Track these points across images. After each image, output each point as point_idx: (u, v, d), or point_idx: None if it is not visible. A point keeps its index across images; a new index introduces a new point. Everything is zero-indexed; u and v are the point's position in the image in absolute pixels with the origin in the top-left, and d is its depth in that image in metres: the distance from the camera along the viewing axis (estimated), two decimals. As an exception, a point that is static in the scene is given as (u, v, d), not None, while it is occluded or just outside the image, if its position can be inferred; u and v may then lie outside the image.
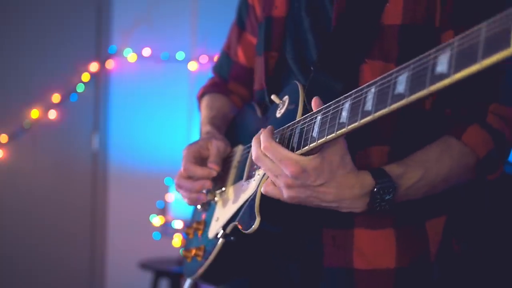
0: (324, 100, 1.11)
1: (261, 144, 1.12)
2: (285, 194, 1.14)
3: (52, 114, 4.53)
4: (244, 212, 1.26)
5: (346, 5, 1.25)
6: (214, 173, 1.42)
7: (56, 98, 4.53)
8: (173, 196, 4.27)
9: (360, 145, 1.23)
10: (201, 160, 1.44)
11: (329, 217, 1.25)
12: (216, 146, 1.45)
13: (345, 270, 1.26)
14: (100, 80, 4.66)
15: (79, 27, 4.65)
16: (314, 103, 1.11)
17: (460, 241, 1.32)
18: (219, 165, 1.43)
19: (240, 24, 1.65)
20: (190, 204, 1.49)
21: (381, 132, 1.24)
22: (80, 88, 4.60)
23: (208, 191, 1.47)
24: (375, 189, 1.12)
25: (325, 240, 1.28)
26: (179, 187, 1.45)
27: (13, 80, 4.48)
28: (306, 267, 1.33)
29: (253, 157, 1.16)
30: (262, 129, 1.18)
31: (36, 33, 4.51)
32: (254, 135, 1.41)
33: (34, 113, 4.48)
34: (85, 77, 4.61)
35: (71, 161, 4.65)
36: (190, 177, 1.43)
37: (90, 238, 4.69)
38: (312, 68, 1.26)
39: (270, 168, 1.12)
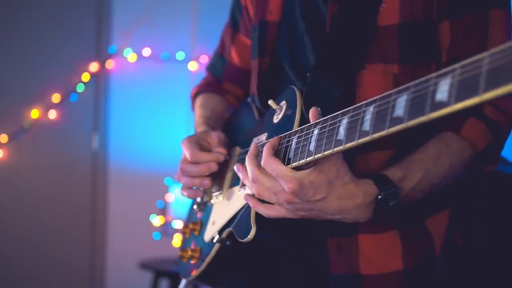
0: (322, 107, 1.09)
1: (262, 160, 1.11)
2: (289, 210, 1.13)
3: (52, 114, 4.53)
4: (240, 220, 1.25)
5: (340, 9, 1.24)
6: (222, 157, 1.40)
7: (56, 98, 4.52)
8: (173, 196, 4.27)
9: (362, 149, 1.21)
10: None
11: (332, 225, 1.24)
12: (217, 136, 1.44)
13: (352, 276, 1.24)
14: (100, 80, 4.66)
15: (79, 27, 4.64)
16: (312, 114, 1.10)
17: (464, 235, 1.30)
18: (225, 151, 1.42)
19: (234, 25, 1.65)
20: (189, 196, 1.46)
21: (385, 138, 1.23)
22: (80, 88, 4.59)
23: (205, 191, 1.46)
24: (380, 197, 1.10)
25: (330, 248, 1.26)
26: (183, 172, 1.42)
27: (13, 80, 4.47)
28: (312, 275, 1.32)
29: (249, 178, 1.15)
30: (255, 139, 1.16)
31: (36, 33, 4.50)
32: (250, 138, 1.41)
33: (34, 113, 4.47)
34: (85, 77, 4.60)
35: (71, 161, 4.64)
36: (195, 163, 1.40)
37: (90, 238, 4.68)
38: (308, 74, 1.25)
39: (270, 186, 1.11)
